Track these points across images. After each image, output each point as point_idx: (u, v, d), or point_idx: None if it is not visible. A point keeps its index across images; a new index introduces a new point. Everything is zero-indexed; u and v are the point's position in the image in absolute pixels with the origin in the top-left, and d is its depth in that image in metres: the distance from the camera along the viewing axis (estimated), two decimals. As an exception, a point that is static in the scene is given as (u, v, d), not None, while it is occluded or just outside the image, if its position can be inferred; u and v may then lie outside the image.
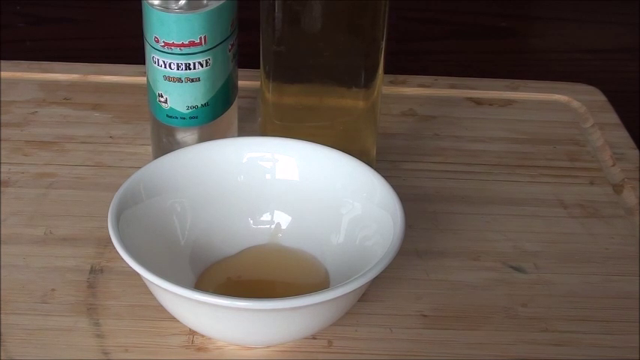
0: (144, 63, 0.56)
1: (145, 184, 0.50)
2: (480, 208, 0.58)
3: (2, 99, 0.68)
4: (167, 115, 0.56)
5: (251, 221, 0.53)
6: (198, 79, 0.55)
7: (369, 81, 0.56)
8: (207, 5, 0.53)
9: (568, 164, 0.64)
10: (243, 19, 0.57)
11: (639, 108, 0.79)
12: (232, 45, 0.56)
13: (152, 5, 0.53)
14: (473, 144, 0.65)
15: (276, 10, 0.53)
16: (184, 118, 0.56)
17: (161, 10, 0.53)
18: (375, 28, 0.54)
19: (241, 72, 0.60)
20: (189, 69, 0.54)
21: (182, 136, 0.57)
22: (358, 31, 0.54)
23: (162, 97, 0.56)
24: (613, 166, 0.64)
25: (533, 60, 0.80)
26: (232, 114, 0.59)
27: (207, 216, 0.52)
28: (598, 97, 0.72)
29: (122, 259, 0.43)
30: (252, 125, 0.64)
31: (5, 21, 0.77)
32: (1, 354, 0.46)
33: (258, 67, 0.56)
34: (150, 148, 0.61)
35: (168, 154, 0.52)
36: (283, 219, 0.53)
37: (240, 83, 0.60)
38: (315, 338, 0.48)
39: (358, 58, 0.55)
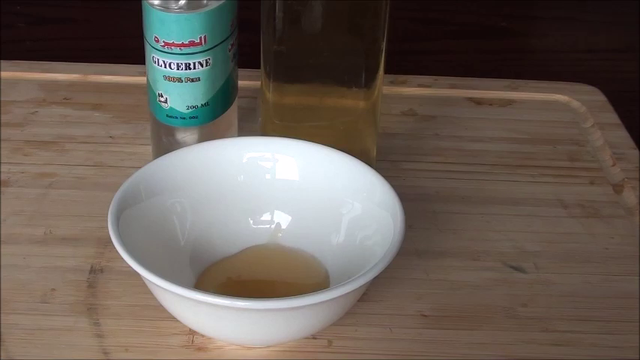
0: (144, 63, 0.56)
1: (145, 184, 0.50)
2: (480, 208, 0.58)
3: (2, 99, 0.68)
4: (167, 115, 0.56)
5: (251, 221, 0.53)
6: (198, 79, 0.55)
7: (369, 81, 0.56)
8: (207, 5, 0.53)
9: (568, 164, 0.64)
10: (243, 19, 0.57)
11: (639, 108, 0.79)
12: (232, 45, 0.56)
13: (152, 5, 0.53)
14: (473, 144, 0.65)
15: (277, 10, 0.53)
16: (184, 118, 0.56)
17: (161, 10, 0.53)
18: (376, 28, 0.54)
19: (241, 72, 0.60)
20: (189, 69, 0.54)
21: (182, 136, 0.57)
22: (359, 31, 0.54)
23: (162, 96, 0.56)
24: (613, 166, 0.64)
25: (533, 60, 0.80)
26: (232, 114, 0.59)
27: (207, 216, 0.52)
28: (598, 97, 0.72)
29: (122, 259, 0.43)
30: (252, 125, 0.64)
31: (5, 21, 0.77)
32: (1, 354, 0.46)
33: (258, 67, 0.56)
34: (150, 148, 0.61)
35: (168, 154, 0.52)
36: (283, 219, 0.53)
37: (240, 83, 0.60)
38: (315, 338, 0.48)
39: (359, 58, 0.55)
